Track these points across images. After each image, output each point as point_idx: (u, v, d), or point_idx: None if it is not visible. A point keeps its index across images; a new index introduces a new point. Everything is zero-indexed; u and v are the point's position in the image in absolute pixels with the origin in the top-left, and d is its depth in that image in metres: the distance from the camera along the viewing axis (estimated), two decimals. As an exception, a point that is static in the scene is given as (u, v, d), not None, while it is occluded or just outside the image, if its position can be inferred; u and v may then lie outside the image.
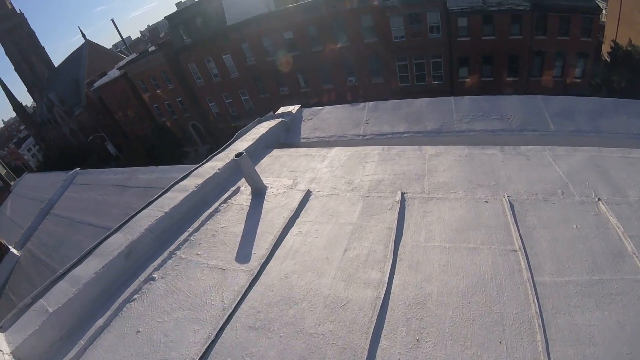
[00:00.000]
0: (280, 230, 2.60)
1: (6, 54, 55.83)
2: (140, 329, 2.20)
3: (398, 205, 2.56)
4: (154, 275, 2.69)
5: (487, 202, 2.52)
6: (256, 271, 2.32)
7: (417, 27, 25.15)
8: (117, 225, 3.37)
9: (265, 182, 3.41)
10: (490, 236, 2.21)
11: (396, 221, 2.40)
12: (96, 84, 42.42)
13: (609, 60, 26.65)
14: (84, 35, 48.29)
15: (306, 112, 4.94)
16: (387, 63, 26.96)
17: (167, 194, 3.60)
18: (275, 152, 4.12)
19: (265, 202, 3.14)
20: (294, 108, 4.96)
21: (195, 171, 3.90)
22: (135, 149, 42.21)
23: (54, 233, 6.61)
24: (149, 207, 3.49)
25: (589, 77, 24.29)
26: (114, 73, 40.95)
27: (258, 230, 2.70)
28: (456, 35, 24.67)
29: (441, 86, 26.50)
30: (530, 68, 24.49)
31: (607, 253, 1.98)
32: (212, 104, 36.87)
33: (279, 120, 4.75)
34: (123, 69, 38.82)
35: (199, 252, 2.77)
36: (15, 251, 6.96)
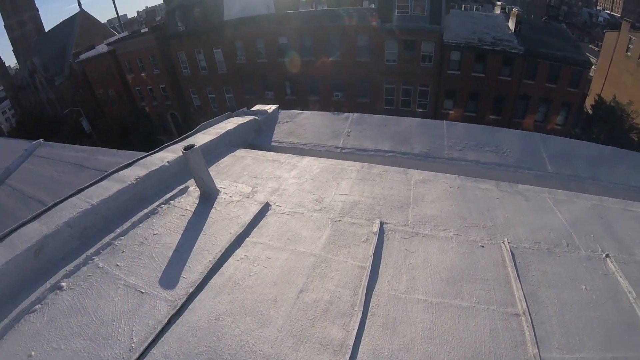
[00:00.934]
0: (222, 251, 2.02)
1: None
2: (33, 353, 1.69)
3: (375, 238, 2.04)
4: (62, 284, 2.11)
5: (483, 246, 2.07)
6: (180, 303, 1.75)
7: (410, 53, 25.34)
8: (37, 212, 2.76)
9: (219, 185, 2.85)
10: (488, 292, 1.74)
11: (371, 259, 1.89)
12: (82, 57, 40.41)
13: (591, 112, 27.77)
14: (79, 4, 46.11)
15: (283, 114, 4.42)
16: (375, 84, 26.96)
17: (102, 183, 2.99)
18: (240, 153, 3.56)
19: (213, 209, 2.57)
20: (270, 107, 4.44)
21: (141, 160, 3.29)
22: (109, 129, 40.37)
23: (3, 205, 6.14)
24: (76, 196, 2.87)
25: (570, 126, 25.12)
26: (102, 48, 39.24)
27: (195, 246, 2.12)
28: (447, 67, 25.01)
29: (424, 114, 26.66)
30: (514, 109, 25.05)
31: (620, 324, 1.65)
32: (195, 97, 35.92)
33: (250, 117, 4.20)
34: (111, 46, 37.29)
35: (119, 263, 2.17)
36: (-40, 218, 6.27)
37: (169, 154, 3.33)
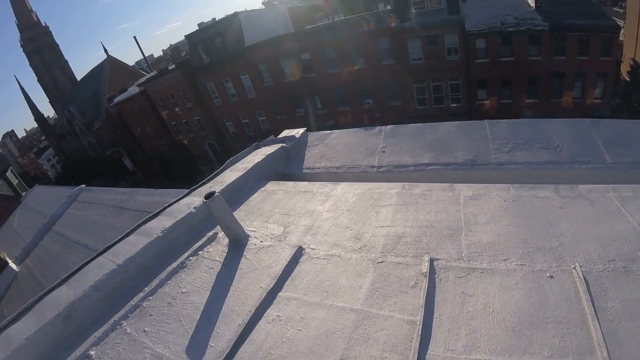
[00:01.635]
0: (253, 311, 1.79)
1: (30, 65, 57.64)
2: None
3: (425, 282, 1.72)
4: (91, 352, 1.99)
5: (552, 277, 1.69)
6: (208, 379, 1.53)
7: (434, 49, 24.60)
8: (65, 276, 2.72)
9: (248, 228, 2.65)
10: (562, 340, 1.38)
11: (422, 310, 1.57)
12: (116, 100, 43.05)
13: (628, 79, 25.58)
14: (106, 51, 49.25)
15: (312, 136, 4.20)
16: (404, 85, 26.36)
17: (129, 238, 2.90)
18: (270, 186, 3.37)
19: (243, 258, 2.36)
20: (297, 132, 4.25)
21: (167, 209, 3.18)
22: (151, 165, 42.38)
23: (51, 251, 6.40)
24: (104, 254, 2.79)
25: (609, 98, 23.42)
26: (133, 89, 41.54)
27: (224, 306, 1.91)
28: (474, 56, 24.02)
29: (459, 109, 25.71)
30: (550, 89, 23.60)
31: None
32: (229, 124, 36.91)
33: (279, 145, 4.03)
34: (142, 86, 39.32)
35: (147, 328, 2.01)
36: (14, 266, 6.71)
37: (196, 199, 3.20)
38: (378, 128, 3.78)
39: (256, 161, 3.66)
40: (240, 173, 3.47)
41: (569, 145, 2.97)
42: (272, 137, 4.36)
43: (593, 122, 3.19)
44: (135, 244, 2.71)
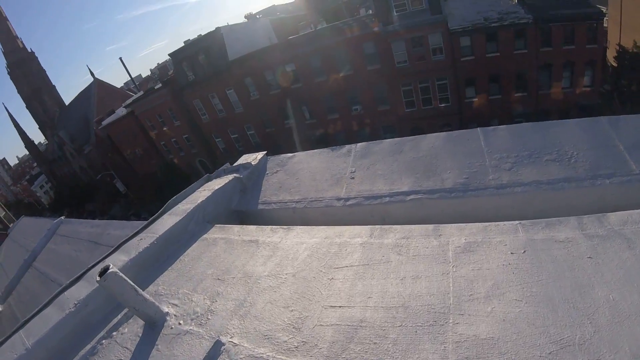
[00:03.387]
0: None
1: (18, 92, 56.91)
2: None
3: None
4: None
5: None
6: None
7: (419, 50, 24.27)
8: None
9: (171, 300, 1.98)
10: None
11: None
12: (104, 122, 42.48)
13: (615, 65, 25.48)
14: (92, 74, 48.62)
15: (272, 161, 3.54)
16: (392, 89, 25.94)
17: (45, 311, 2.33)
18: (214, 233, 2.69)
19: (154, 349, 1.69)
20: (256, 157, 3.58)
21: (88, 273, 2.52)
22: (143, 186, 41.65)
23: (30, 289, 6.29)
24: (20, 331, 2.21)
25: (598, 85, 23.27)
26: (120, 111, 41.00)
27: None
28: (460, 55, 23.71)
29: (449, 108, 25.30)
30: (539, 82, 23.25)
31: None
32: (219, 140, 36.50)
33: (232, 176, 3.35)
34: (129, 107, 38.82)
35: None
36: (-3, 304, 6.39)
37: (122, 256, 2.52)
38: (347, 147, 3.12)
39: (200, 200, 2.98)
40: (179, 218, 2.79)
41: (585, 153, 2.31)
42: (227, 164, 3.70)
43: (610, 121, 2.52)
44: (47, 320, 2.10)
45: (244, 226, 2.60)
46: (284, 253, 2.05)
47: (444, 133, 2.96)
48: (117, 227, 5.87)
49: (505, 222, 1.82)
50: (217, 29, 30.56)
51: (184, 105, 35.15)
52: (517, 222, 1.81)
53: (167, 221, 2.81)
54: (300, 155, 3.39)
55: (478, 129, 2.79)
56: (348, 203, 2.57)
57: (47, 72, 56.71)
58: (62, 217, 8.48)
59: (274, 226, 2.43)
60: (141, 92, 40.89)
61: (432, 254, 1.70)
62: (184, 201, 3.17)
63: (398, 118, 26.22)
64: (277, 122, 31.38)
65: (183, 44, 33.99)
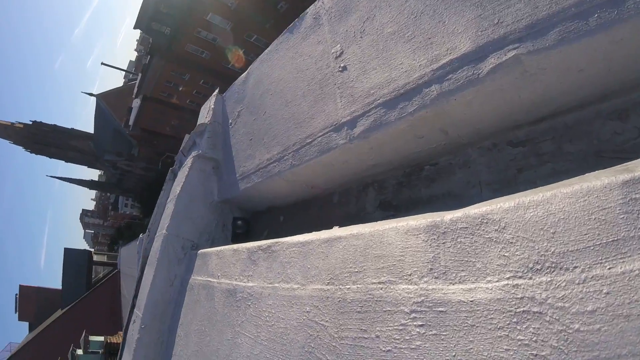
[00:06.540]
0: None
1: (50, 159, 59.17)
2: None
3: None
4: None
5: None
6: None
7: None
8: None
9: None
10: None
11: None
12: (130, 122, 42.74)
13: None
14: (91, 94, 48.56)
15: (230, 99, 2.28)
16: None
17: None
18: (195, 275, 1.74)
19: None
20: (208, 108, 2.35)
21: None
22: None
23: None
24: None
25: None
26: (136, 103, 40.59)
27: None
28: None
29: None
30: None
31: None
32: (230, 65, 35.45)
33: (190, 159, 2.22)
34: (140, 94, 38.20)
35: None
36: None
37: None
38: (309, 13, 1.68)
39: (167, 225, 1.96)
40: (153, 270, 1.83)
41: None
42: (186, 136, 2.54)
43: None
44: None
45: (222, 248, 1.56)
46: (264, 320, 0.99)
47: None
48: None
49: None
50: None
51: (181, 58, 33.49)
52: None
53: (147, 279, 1.89)
54: (254, 68, 2.06)
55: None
56: (356, 130, 1.30)
57: (57, 124, 56.04)
58: (141, 235, 8.92)
59: (250, 259, 1.32)
60: (139, 75, 39.48)
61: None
62: (157, 234, 2.19)
63: None
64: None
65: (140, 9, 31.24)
